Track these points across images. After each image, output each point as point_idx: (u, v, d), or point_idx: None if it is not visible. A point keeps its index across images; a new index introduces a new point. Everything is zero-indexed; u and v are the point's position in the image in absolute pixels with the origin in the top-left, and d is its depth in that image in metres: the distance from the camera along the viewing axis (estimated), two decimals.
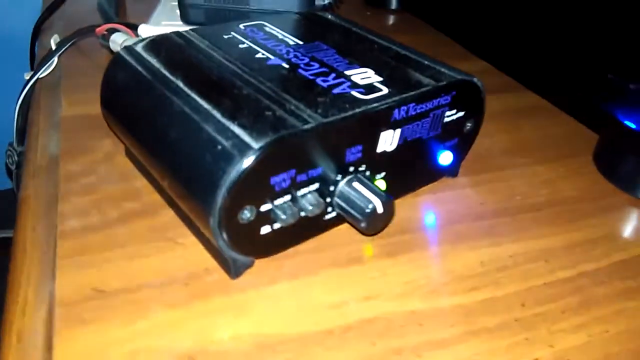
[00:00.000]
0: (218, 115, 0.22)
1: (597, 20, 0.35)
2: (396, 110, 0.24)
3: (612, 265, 0.26)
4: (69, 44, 0.36)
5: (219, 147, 0.20)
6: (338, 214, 0.24)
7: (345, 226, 0.26)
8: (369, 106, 0.23)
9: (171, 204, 0.26)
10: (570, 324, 0.22)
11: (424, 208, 0.28)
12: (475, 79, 0.27)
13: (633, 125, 0.30)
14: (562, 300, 0.23)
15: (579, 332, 0.22)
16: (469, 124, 0.28)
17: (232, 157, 0.20)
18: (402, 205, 0.28)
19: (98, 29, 0.34)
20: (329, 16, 0.33)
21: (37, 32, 0.44)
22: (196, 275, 0.23)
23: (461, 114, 0.27)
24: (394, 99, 0.24)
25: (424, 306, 0.23)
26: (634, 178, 0.30)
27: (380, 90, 0.24)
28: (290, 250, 0.24)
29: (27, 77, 0.36)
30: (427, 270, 0.24)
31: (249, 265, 0.23)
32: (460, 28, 0.46)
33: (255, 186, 0.20)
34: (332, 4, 0.38)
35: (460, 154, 0.29)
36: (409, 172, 0.27)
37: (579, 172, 0.32)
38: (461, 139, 0.28)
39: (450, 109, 0.26)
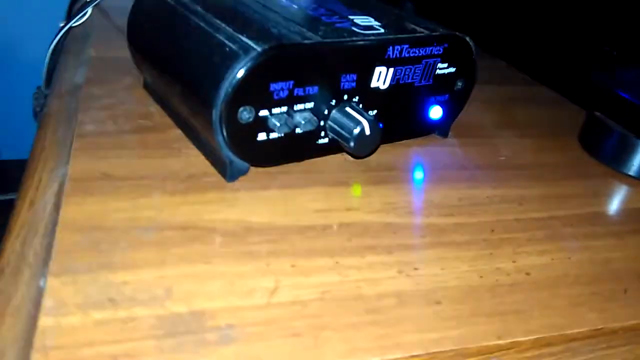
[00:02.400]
0: (229, 29, 0.24)
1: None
2: (390, 48, 0.26)
3: (583, 214, 0.27)
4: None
5: (227, 49, 0.23)
6: (331, 141, 0.27)
7: (338, 157, 0.28)
8: (365, 38, 0.25)
9: (180, 125, 0.29)
10: (534, 249, 0.24)
11: (412, 154, 0.30)
12: (467, 38, 0.29)
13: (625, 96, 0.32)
14: (530, 232, 0.25)
15: (542, 256, 0.24)
16: (459, 83, 0.30)
17: (237, 56, 0.22)
18: (392, 148, 0.30)
19: None
20: None
21: None
22: (195, 176, 0.25)
23: (452, 69, 0.29)
24: (389, 36, 0.26)
25: (400, 220, 0.24)
26: (617, 152, 0.32)
27: (378, 30, 0.27)
28: (284, 167, 0.27)
29: (62, 25, 0.39)
30: (407, 197, 0.26)
31: (244, 171, 0.25)
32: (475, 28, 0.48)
33: (255, 88, 0.23)
34: None
35: (450, 113, 0.31)
36: (400, 116, 0.29)
37: (565, 147, 0.34)
38: (451, 97, 0.31)
39: (442, 62, 0.29)
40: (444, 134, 0.33)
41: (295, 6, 0.29)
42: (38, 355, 0.16)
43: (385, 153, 0.30)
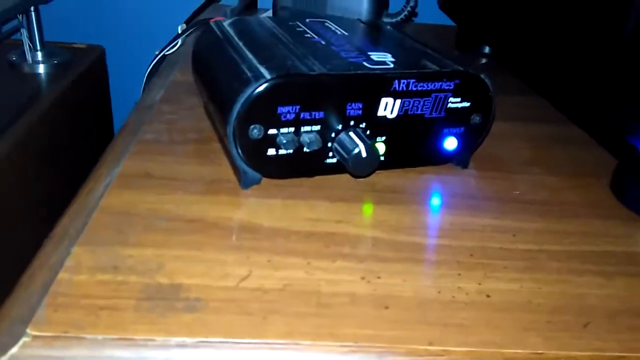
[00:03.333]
0: (254, 60, 0.29)
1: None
2: (396, 81, 0.29)
3: (578, 251, 0.27)
4: (190, 30, 0.47)
5: (245, 76, 0.27)
6: (338, 161, 0.30)
7: (347, 177, 0.31)
8: (370, 71, 0.29)
9: (219, 139, 0.34)
10: (506, 276, 0.25)
11: (423, 180, 0.32)
12: (482, 75, 0.31)
13: None
14: (510, 261, 0.26)
15: (512, 283, 0.25)
16: (476, 117, 0.32)
17: (249, 82, 0.27)
18: (405, 173, 0.32)
19: (211, 20, 0.44)
20: (386, 25, 0.40)
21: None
22: (217, 181, 0.30)
23: (466, 104, 0.31)
24: (396, 71, 0.29)
25: (384, 236, 0.27)
26: None
27: (388, 65, 0.30)
28: (295, 181, 0.30)
29: (157, 53, 0.47)
30: (400, 216, 0.29)
31: (257, 181, 0.29)
32: (532, 72, 0.48)
33: (264, 109, 0.27)
34: (400, 22, 0.44)
35: (467, 145, 0.33)
36: (411, 145, 0.32)
37: (590, 189, 0.34)
38: (468, 130, 0.32)
39: (455, 96, 0.31)
40: (464, 165, 0.34)
41: (324, 43, 0.33)
42: (49, 298, 0.21)
43: (397, 177, 0.32)
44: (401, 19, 0.43)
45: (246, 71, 0.28)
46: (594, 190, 0.33)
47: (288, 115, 0.28)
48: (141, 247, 0.24)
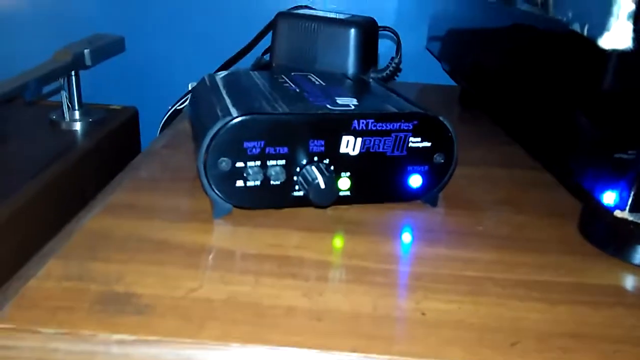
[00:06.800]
0: (228, 102, 0.32)
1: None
2: (355, 121, 0.32)
3: (528, 280, 0.28)
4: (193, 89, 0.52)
5: (216, 115, 0.31)
6: (304, 194, 0.32)
7: (319, 210, 0.33)
8: (330, 112, 0.31)
9: None
10: (447, 298, 0.26)
11: (389, 215, 0.34)
12: (441, 117, 0.33)
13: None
14: (455, 285, 0.27)
15: (450, 304, 0.26)
16: (438, 157, 0.34)
17: (218, 119, 0.30)
18: (375, 209, 0.34)
19: None
20: (369, 79, 0.43)
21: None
22: (194, 212, 0.33)
23: (427, 144, 0.33)
24: (355, 112, 0.32)
25: (336, 260, 0.29)
26: (607, 235, 0.32)
27: (349, 107, 0.33)
28: (266, 212, 0.33)
29: (169, 108, 0.52)
30: (356, 245, 0.30)
31: (227, 211, 0.32)
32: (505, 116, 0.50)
33: (232, 144, 0.30)
34: (386, 77, 0.47)
35: (432, 183, 0.35)
36: (376, 181, 0.34)
37: (558, 227, 0.34)
38: (432, 169, 0.34)
39: (415, 136, 0.33)
40: (433, 203, 0.36)
41: (298, 90, 0.36)
42: (16, 299, 0.24)
43: (365, 212, 0.34)
44: (386, 74, 0.46)
45: (218, 111, 0.31)
46: (561, 229, 0.34)
47: (254, 150, 0.31)
48: (107, 262, 0.27)
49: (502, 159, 0.45)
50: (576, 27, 0.28)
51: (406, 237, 0.32)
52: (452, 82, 0.69)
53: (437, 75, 0.71)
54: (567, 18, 0.30)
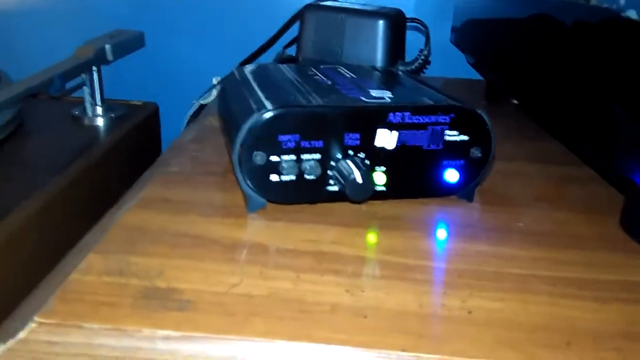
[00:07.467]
0: (262, 96, 0.32)
1: None
2: (391, 114, 0.31)
3: (575, 278, 0.27)
4: (222, 82, 0.51)
5: (250, 109, 0.30)
6: (339, 189, 0.32)
7: (350, 205, 0.33)
8: (366, 105, 0.31)
9: None
10: (493, 296, 0.25)
11: (424, 210, 0.33)
12: (479, 110, 0.33)
13: None
14: (500, 283, 0.26)
15: (497, 302, 0.25)
16: (475, 151, 0.33)
17: (253, 112, 0.30)
18: (409, 204, 0.34)
19: None
20: (398, 70, 0.42)
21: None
22: (227, 206, 0.32)
23: (465, 137, 0.33)
24: (391, 105, 0.31)
25: (375, 256, 0.28)
26: None
27: (384, 100, 0.32)
28: (299, 207, 0.32)
29: (194, 102, 0.52)
30: (395, 240, 0.30)
31: (262, 205, 0.32)
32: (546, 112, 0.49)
33: (266, 137, 0.30)
34: (414, 70, 0.46)
35: (469, 178, 0.34)
36: (412, 175, 0.33)
37: (599, 223, 0.33)
38: (469, 163, 0.34)
39: (451, 130, 0.32)
40: (468, 199, 0.35)
41: (329, 82, 0.36)
42: (59, 293, 0.23)
43: (399, 207, 0.33)
44: (415, 67, 0.46)
45: (252, 105, 0.31)
46: (602, 225, 0.33)
47: (289, 144, 0.30)
48: (146, 257, 0.27)
49: (533, 154, 0.44)
50: (632, 14, 0.27)
51: (445, 233, 0.31)
52: (475, 76, 0.68)
53: (460, 68, 0.70)
54: (617, 5, 0.29)
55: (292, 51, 0.68)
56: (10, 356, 0.21)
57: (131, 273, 0.25)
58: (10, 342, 0.21)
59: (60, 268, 0.26)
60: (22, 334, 0.21)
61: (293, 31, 0.59)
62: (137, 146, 0.73)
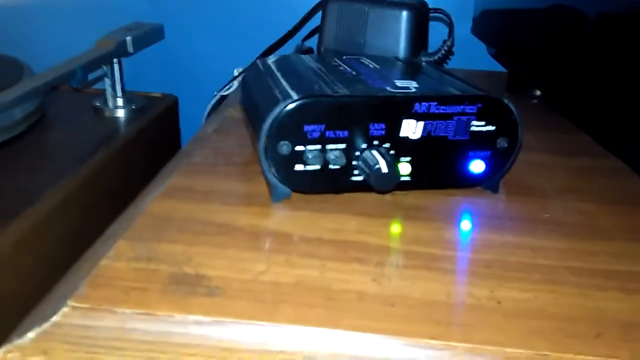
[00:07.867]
0: (287, 86, 0.32)
1: None
2: (417, 104, 0.31)
3: (604, 269, 0.27)
4: (244, 73, 0.51)
5: (275, 98, 0.30)
6: (364, 179, 0.32)
7: (375, 195, 0.33)
8: (392, 95, 0.31)
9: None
10: (522, 286, 0.25)
11: (449, 201, 0.33)
12: (505, 100, 0.32)
13: None
14: (528, 274, 0.26)
15: (526, 292, 0.25)
16: (502, 141, 0.33)
17: (278, 102, 0.30)
18: (434, 194, 0.33)
19: None
20: (421, 61, 0.42)
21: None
22: (251, 195, 0.32)
23: (491, 127, 0.32)
24: (417, 94, 0.31)
25: (399, 246, 0.28)
26: None
27: (410, 90, 0.32)
28: (324, 197, 0.32)
29: (215, 94, 0.52)
30: (421, 230, 0.30)
31: (287, 195, 0.32)
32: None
33: (292, 127, 0.30)
34: (438, 60, 0.46)
35: (495, 169, 0.34)
36: (437, 166, 0.33)
37: (627, 215, 0.33)
38: (495, 154, 0.33)
39: (478, 120, 0.32)
40: (494, 190, 0.35)
41: (354, 73, 0.36)
42: (90, 279, 0.24)
43: (424, 197, 0.33)
44: (438, 57, 0.45)
45: (278, 94, 0.31)
46: (630, 217, 0.33)
47: (314, 134, 0.30)
48: (173, 244, 0.27)
49: (556, 145, 0.44)
50: None
51: (470, 223, 0.31)
52: (496, 68, 0.68)
53: (481, 60, 0.69)
54: None
55: (310, 43, 0.68)
56: (43, 339, 0.22)
57: (159, 259, 0.25)
58: (45, 326, 0.21)
59: (89, 255, 0.27)
60: (55, 318, 0.22)
61: (311, 24, 0.59)
62: (157, 137, 0.74)
